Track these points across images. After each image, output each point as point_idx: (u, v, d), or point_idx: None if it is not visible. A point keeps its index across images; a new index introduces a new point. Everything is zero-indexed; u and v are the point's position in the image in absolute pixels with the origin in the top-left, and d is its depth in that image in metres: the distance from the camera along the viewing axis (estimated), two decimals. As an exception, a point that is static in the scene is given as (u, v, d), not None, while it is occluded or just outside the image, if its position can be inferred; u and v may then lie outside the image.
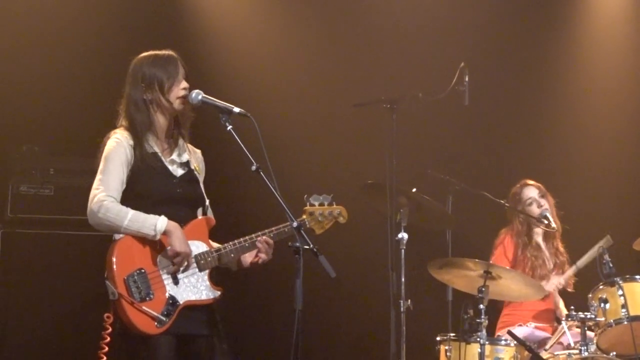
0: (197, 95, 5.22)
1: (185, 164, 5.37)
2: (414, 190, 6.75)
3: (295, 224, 4.97)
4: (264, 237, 5.30)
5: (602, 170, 8.97)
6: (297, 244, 4.86)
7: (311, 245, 4.86)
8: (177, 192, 5.27)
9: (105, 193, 5.10)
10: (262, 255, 5.32)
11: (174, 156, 5.33)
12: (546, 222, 7.47)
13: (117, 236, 5.14)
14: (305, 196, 5.47)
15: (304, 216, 5.42)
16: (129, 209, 5.10)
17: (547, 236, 7.67)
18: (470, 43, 8.74)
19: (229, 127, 5.11)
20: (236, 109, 5.14)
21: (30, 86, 8.16)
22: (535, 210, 7.56)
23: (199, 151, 5.53)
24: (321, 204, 5.47)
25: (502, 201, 7.53)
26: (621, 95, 9.08)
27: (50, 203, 7.97)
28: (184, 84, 5.30)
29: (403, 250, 6.55)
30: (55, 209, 7.93)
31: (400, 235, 6.57)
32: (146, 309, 5.03)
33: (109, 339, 5.05)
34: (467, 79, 6.81)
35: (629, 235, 7.21)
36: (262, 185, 4.98)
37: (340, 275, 4.88)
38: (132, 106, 5.28)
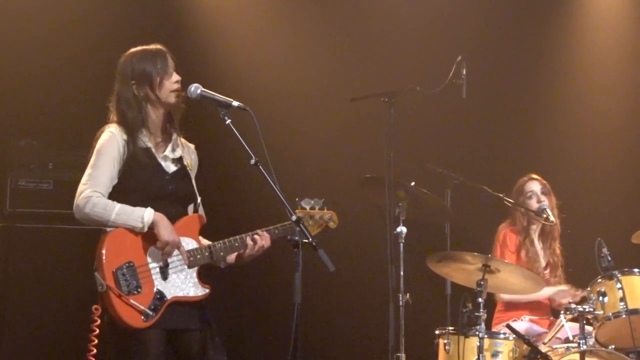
0: (196, 89, 5.20)
1: (178, 160, 5.36)
2: (413, 183, 6.74)
3: (294, 218, 4.96)
4: (263, 233, 5.29)
5: (599, 163, 8.97)
6: (296, 238, 4.86)
7: (310, 239, 4.87)
8: (168, 188, 5.27)
9: (92, 189, 5.11)
10: (248, 251, 5.31)
11: (167, 152, 5.32)
12: (544, 215, 7.46)
13: (108, 228, 5.13)
14: (297, 199, 5.49)
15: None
16: (115, 202, 5.11)
17: (545, 235, 7.67)
18: (468, 36, 8.73)
19: (228, 121, 5.11)
20: (235, 103, 5.14)
21: (29, 80, 8.14)
22: (533, 204, 7.55)
23: (192, 145, 5.52)
24: (312, 208, 5.50)
25: (501, 195, 7.52)
26: (621, 88, 9.07)
27: (49, 197, 7.96)
28: (176, 77, 5.30)
29: (402, 244, 6.56)
30: (54, 203, 7.91)
31: (399, 229, 6.57)
32: (133, 302, 5.04)
33: (97, 331, 5.07)
34: (464, 72, 6.80)
35: (628, 228, 7.21)
36: (261, 179, 4.99)
37: (339, 269, 4.89)
38: (124, 103, 5.26)
